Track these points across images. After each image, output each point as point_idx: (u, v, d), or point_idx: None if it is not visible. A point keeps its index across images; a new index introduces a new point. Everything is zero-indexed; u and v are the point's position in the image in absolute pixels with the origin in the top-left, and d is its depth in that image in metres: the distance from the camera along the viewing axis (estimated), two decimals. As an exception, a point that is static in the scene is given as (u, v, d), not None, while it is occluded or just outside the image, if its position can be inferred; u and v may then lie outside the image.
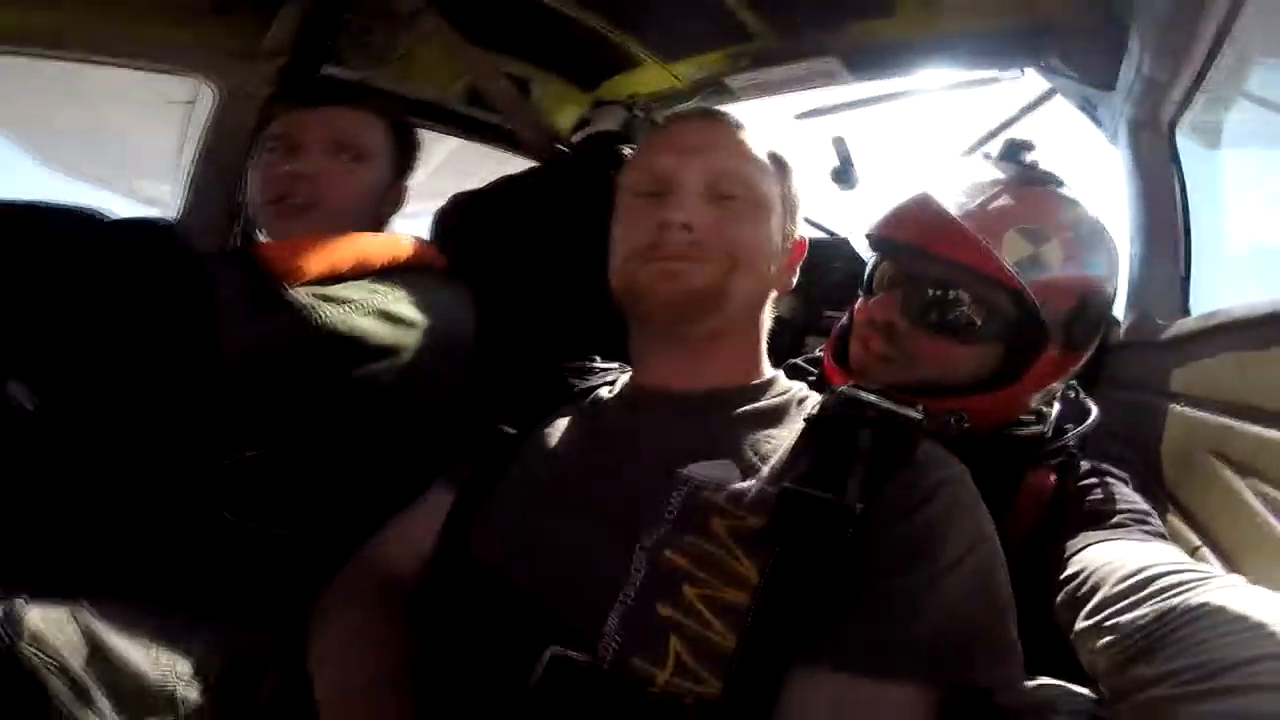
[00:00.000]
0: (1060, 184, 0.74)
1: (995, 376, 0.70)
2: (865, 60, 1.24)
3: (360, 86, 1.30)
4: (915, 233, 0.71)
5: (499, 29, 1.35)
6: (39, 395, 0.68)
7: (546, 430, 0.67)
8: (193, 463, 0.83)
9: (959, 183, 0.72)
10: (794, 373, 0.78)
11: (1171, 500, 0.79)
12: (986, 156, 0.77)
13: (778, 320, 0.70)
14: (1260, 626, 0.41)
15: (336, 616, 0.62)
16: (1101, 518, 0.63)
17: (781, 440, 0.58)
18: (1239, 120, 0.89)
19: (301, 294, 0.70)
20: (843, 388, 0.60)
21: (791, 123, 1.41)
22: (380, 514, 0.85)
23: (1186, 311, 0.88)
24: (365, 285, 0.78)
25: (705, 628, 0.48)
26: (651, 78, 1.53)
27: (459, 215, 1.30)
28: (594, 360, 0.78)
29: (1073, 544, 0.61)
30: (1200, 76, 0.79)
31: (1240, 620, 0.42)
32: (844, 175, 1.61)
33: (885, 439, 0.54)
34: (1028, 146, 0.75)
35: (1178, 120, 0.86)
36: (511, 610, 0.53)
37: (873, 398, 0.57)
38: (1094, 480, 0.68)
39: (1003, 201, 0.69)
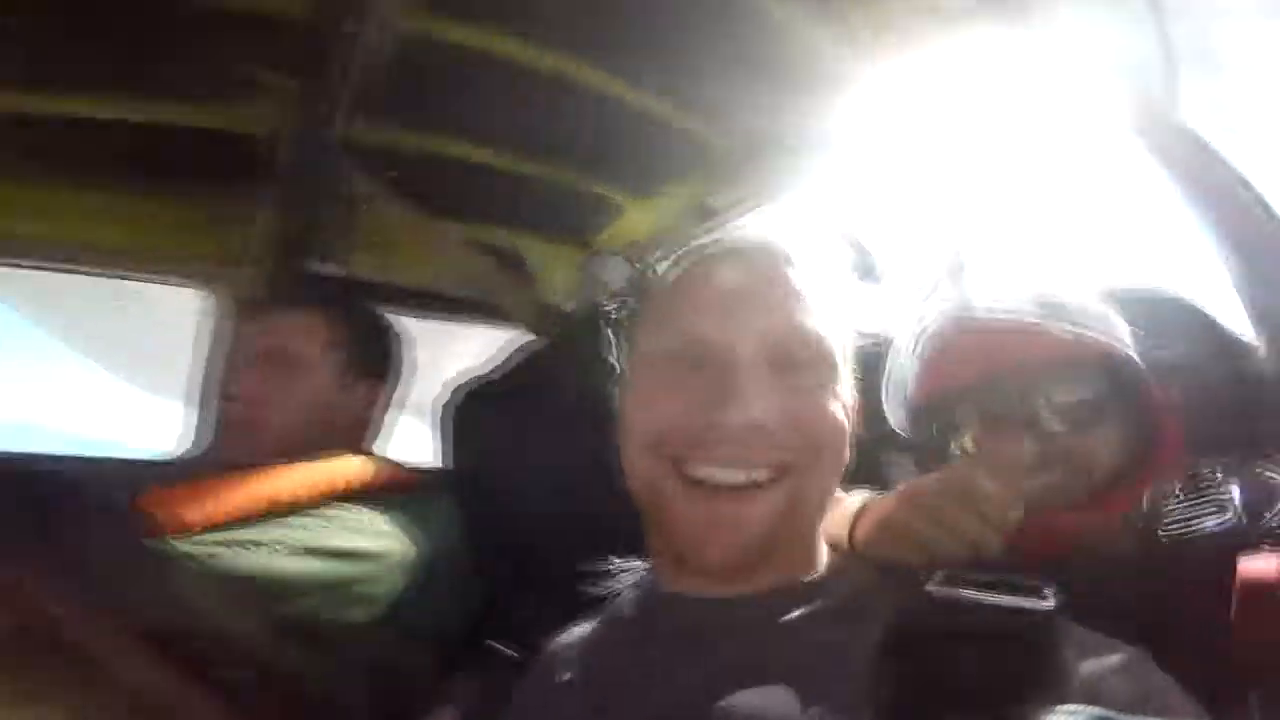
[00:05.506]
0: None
1: (1136, 443, 0.68)
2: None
3: (346, 280, 1.35)
4: (979, 364, 0.69)
5: (478, 202, 1.40)
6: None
7: (556, 652, 0.56)
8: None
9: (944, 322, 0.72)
10: None
11: None
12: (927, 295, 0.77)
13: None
14: None
15: None
16: None
17: (847, 653, 0.44)
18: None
19: (189, 544, 0.70)
20: (934, 586, 0.47)
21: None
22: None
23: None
24: (290, 522, 0.78)
25: None
26: (641, 220, 1.51)
27: (468, 409, 1.19)
28: (611, 562, 0.65)
29: None
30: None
31: None
32: (866, 268, 1.44)
33: (1004, 653, 0.39)
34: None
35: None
36: None
37: (977, 592, 0.44)
38: None
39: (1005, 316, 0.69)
